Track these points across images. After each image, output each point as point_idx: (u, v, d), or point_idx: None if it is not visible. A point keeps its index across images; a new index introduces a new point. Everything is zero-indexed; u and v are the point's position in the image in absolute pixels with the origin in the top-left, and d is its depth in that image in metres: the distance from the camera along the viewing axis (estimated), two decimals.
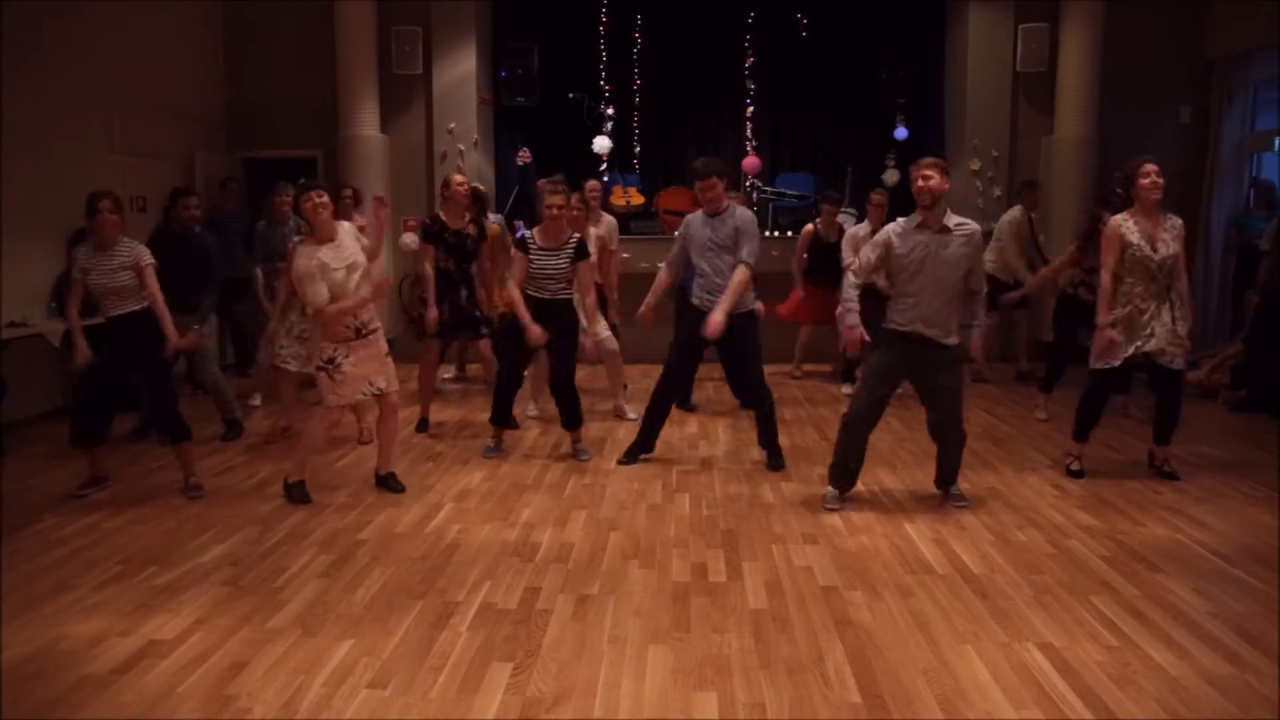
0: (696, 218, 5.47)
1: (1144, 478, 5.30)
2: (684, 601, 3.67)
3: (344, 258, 4.75)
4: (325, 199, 4.74)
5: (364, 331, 4.87)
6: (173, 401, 5.14)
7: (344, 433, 6.23)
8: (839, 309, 4.81)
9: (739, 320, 5.32)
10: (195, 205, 6.22)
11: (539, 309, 5.55)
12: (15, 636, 3.39)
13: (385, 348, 5.00)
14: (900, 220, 4.64)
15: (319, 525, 4.57)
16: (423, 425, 6.53)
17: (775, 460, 5.54)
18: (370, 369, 4.88)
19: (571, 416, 5.75)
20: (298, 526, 4.56)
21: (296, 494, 4.92)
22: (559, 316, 5.59)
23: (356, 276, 4.77)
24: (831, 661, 3.18)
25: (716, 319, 5.15)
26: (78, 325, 5.01)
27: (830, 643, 3.32)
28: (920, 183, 4.46)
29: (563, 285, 5.60)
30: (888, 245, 4.60)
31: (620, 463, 5.65)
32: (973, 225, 4.60)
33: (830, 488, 4.86)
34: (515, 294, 5.52)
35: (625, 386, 7.08)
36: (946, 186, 4.50)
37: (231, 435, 6.30)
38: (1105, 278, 5.05)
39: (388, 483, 5.13)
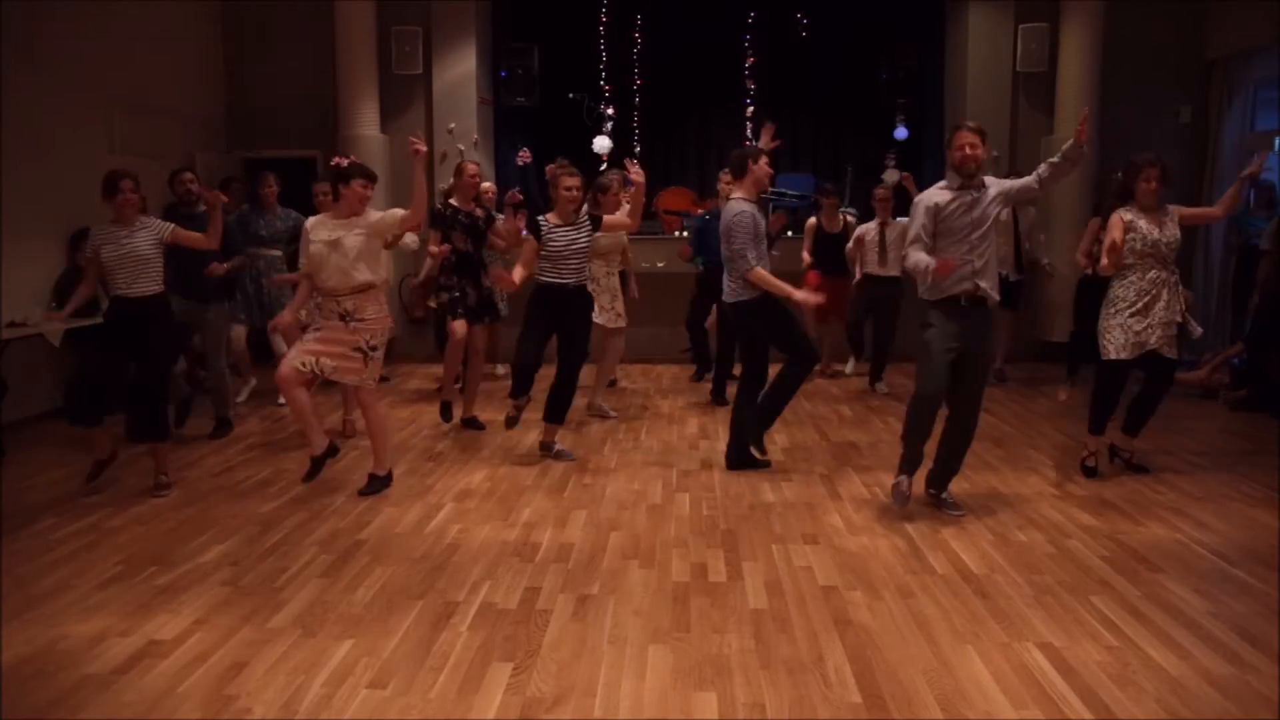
0: (751, 207, 5.25)
1: (1144, 477, 5.29)
2: (684, 601, 3.67)
3: (336, 235, 4.86)
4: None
5: (348, 319, 4.91)
6: (165, 401, 5.17)
7: (350, 432, 6.25)
8: (912, 263, 4.59)
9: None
10: (191, 180, 6.26)
11: (552, 296, 5.56)
12: (15, 636, 3.39)
13: (360, 343, 4.92)
14: (935, 189, 4.65)
15: (319, 525, 4.57)
16: (446, 412, 6.43)
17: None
18: (327, 350, 4.89)
19: (559, 410, 5.72)
20: (298, 526, 4.56)
21: (309, 471, 5.10)
22: (572, 305, 5.61)
23: (340, 260, 4.83)
24: (831, 661, 3.18)
25: None
26: (79, 300, 5.16)
27: (830, 643, 3.32)
28: (968, 150, 4.50)
29: (582, 266, 5.61)
30: (936, 210, 4.57)
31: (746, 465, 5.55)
32: (992, 180, 4.66)
33: (901, 476, 4.68)
34: (519, 274, 5.51)
35: (613, 382, 7.13)
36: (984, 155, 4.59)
37: (220, 433, 6.31)
38: (1106, 260, 5.06)
39: (370, 482, 5.12)
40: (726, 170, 6.48)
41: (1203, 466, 5.52)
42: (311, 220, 5.02)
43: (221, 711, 2.90)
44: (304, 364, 4.85)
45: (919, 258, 4.53)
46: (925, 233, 4.59)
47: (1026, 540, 4.33)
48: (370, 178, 4.92)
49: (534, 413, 6.93)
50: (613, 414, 6.87)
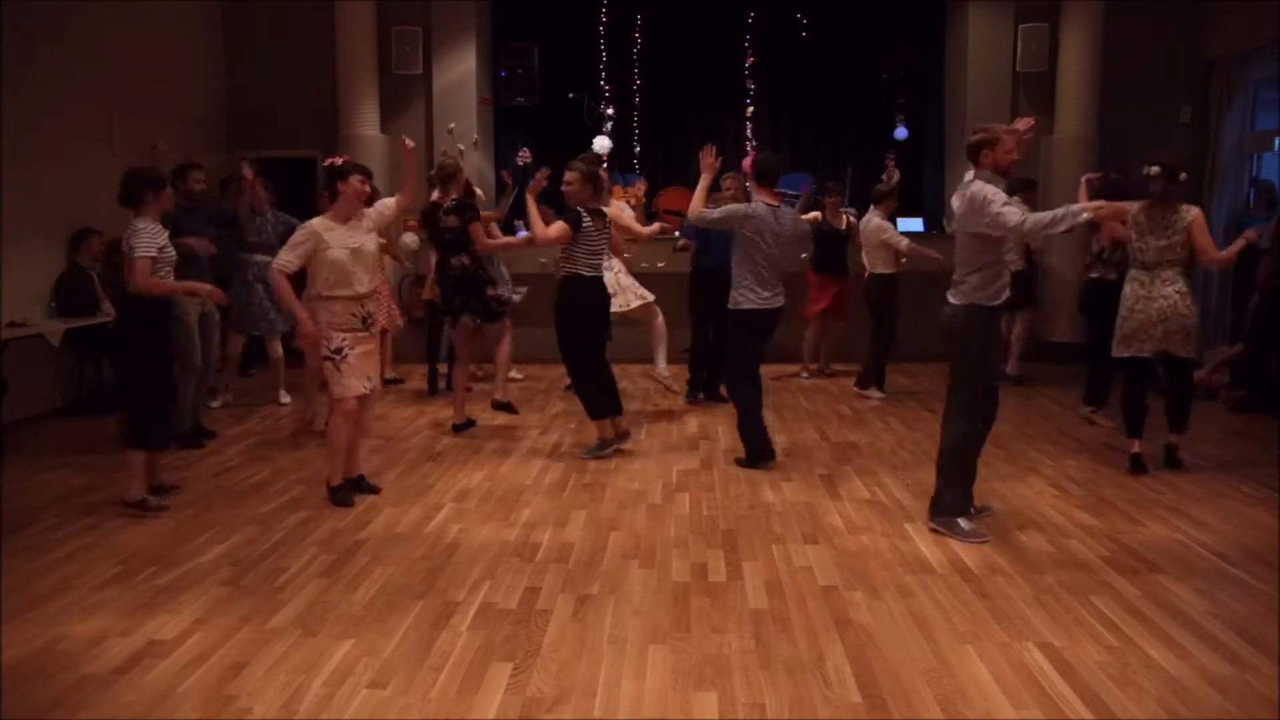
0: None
1: (1144, 477, 5.29)
2: (684, 601, 3.67)
3: (354, 241, 4.76)
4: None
5: (369, 323, 4.86)
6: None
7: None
8: (1068, 214, 4.05)
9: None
10: (201, 180, 6.27)
11: (589, 288, 5.58)
12: (15, 636, 3.39)
13: (377, 341, 5.03)
14: (982, 185, 4.25)
15: (319, 525, 4.57)
16: (505, 406, 6.50)
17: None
18: (369, 365, 4.88)
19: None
20: (298, 526, 4.55)
21: (340, 498, 4.85)
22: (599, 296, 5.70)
23: (363, 264, 4.76)
24: (831, 661, 3.18)
25: None
26: (181, 287, 4.95)
27: (830, 643, 3.32)
28: (1017, 154, 4.31)
29: (601, 255, 5.68)
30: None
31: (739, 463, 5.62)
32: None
33: (962, 519, 4.39)
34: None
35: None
36: None
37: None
38: (1217, 254, 5.33)
39: (358, 485, 5.03)
40: (737, 176, 6.61)
41: (1203, 466, 5.52)
42: (316, 225, 4.73)
43: (221, 711, 2.90)
44: (365, 386, 4.85)
45: (1042, 214, 4.19)
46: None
47: (1026, 540, 4.33)
48: (367, 173, 4.94)
49: (531, 412, 6.95)
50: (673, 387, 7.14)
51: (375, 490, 5.05)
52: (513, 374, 8.05)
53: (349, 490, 4.92)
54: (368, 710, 2.90)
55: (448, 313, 6.34)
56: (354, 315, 4.78)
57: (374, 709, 2.91)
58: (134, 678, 3.10)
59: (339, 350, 4.74)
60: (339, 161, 4.94)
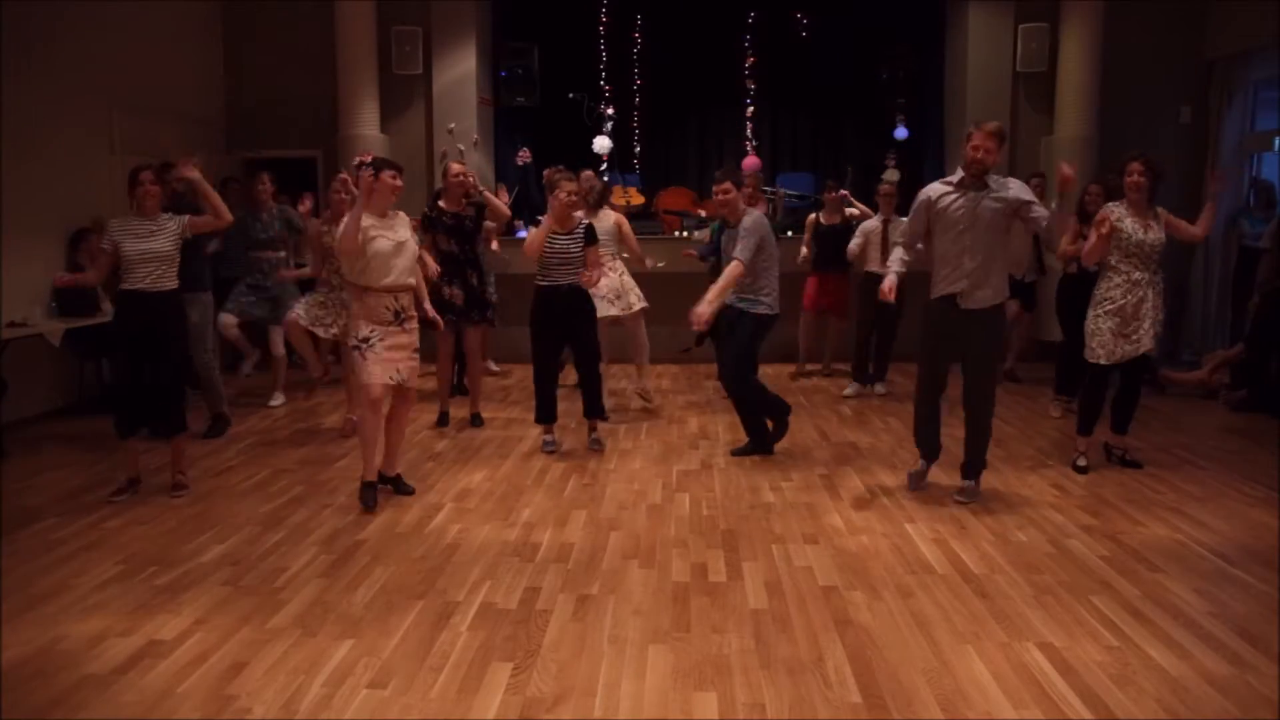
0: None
1: (1144, 477, 5.30)
2: (684, 601, 3.67)
3: (396, 235, 4.83)
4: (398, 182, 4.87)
5: (403, 317, 4.87)
6: (183, 395, 5.24)
7: (350, 431, 6.24)
8: (891, 259, 4.97)
9: (734, 313, 5.67)
10: (177, 179, 6.32)
11: (549, 298, 5.63)
12: (15, 636, 3.39)
13: (417, 343, 4.98)
14: (939, 182, 4.79)
15: (319, 525, 4.57)
16: (443, 420, 6.61)
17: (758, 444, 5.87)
18: (399, 357, 4.86)
19: (594, 405, 5.89)
20: (298, 526, 4.56)
21: (365, 497, 4.82)
22: (572, 303, 5.67)
23: (403, 258, 4.82)
24: (831, 661, 3.18)
25: (701, 310, 5.39)
26: (84, 282, 5.38)
27: (830, 643, 3.32)
28: (973, 152, 4.54)
29: (574, 271, 5.65)
30: (929, 203, 4.74)
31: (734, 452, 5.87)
32: (1011, 183, 4.67)
33: (922, 462, 5.10)
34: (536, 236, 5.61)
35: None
36: (994, 160, 4.56)
37: (215, 432, 6.27)
38: (1086, 247, 5.30)
39: (396, 484, 5.07)
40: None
41: (1203, 466, 5.52)
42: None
43: (221, 711, 2.90)
44: (391, 377, 4.83)
45: (894, 256, 4.94)
46: (919, 226, 4.81)
47: (1026, 540, 4.33)
48: (398, 169, 4.89)
49: (529, 411, 6.94)
50: (652, 403, 7.11)
51: (410, 491, 5.04)
52: (491, 367, 8.35)
53: (373, 491, 4.87)
54: (368, 710, 2.90)
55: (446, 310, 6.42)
56: (387, 309, 4.82)
57: (374, 709, 2.91)
58: (134, 678, 3.10)
59: (366, 339, 4.77)
60: (369, 158, 4.96)
